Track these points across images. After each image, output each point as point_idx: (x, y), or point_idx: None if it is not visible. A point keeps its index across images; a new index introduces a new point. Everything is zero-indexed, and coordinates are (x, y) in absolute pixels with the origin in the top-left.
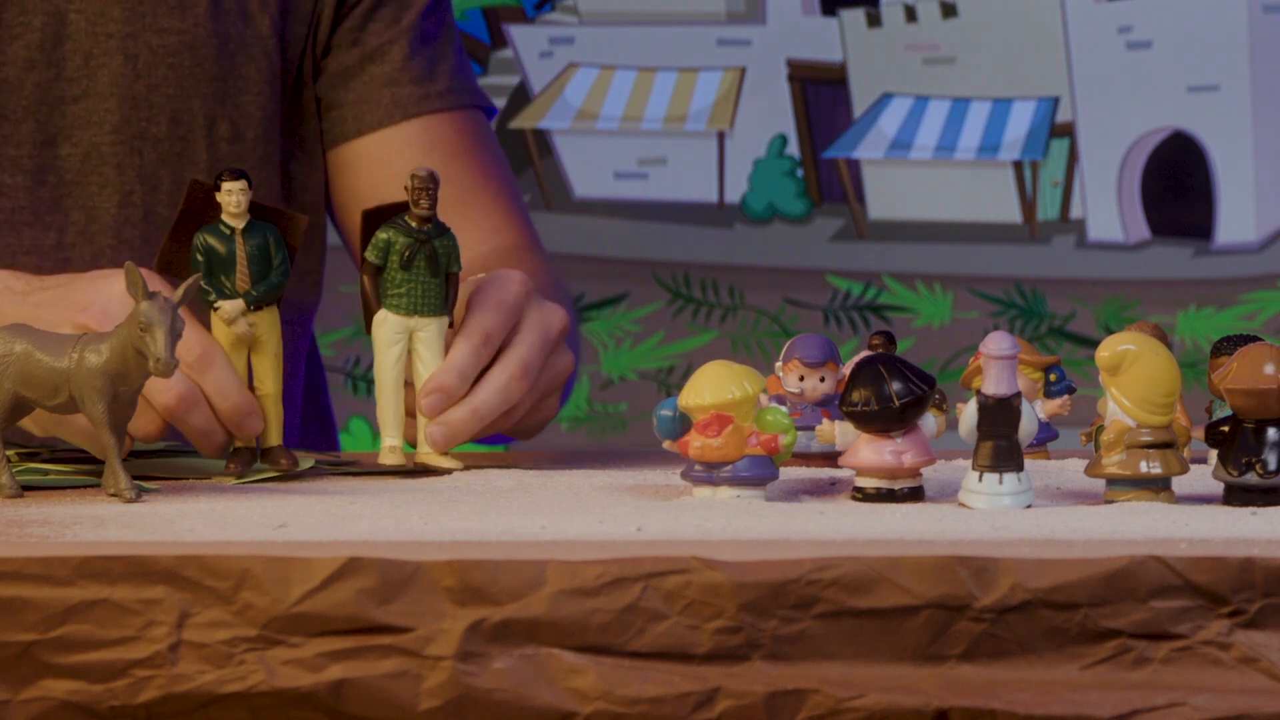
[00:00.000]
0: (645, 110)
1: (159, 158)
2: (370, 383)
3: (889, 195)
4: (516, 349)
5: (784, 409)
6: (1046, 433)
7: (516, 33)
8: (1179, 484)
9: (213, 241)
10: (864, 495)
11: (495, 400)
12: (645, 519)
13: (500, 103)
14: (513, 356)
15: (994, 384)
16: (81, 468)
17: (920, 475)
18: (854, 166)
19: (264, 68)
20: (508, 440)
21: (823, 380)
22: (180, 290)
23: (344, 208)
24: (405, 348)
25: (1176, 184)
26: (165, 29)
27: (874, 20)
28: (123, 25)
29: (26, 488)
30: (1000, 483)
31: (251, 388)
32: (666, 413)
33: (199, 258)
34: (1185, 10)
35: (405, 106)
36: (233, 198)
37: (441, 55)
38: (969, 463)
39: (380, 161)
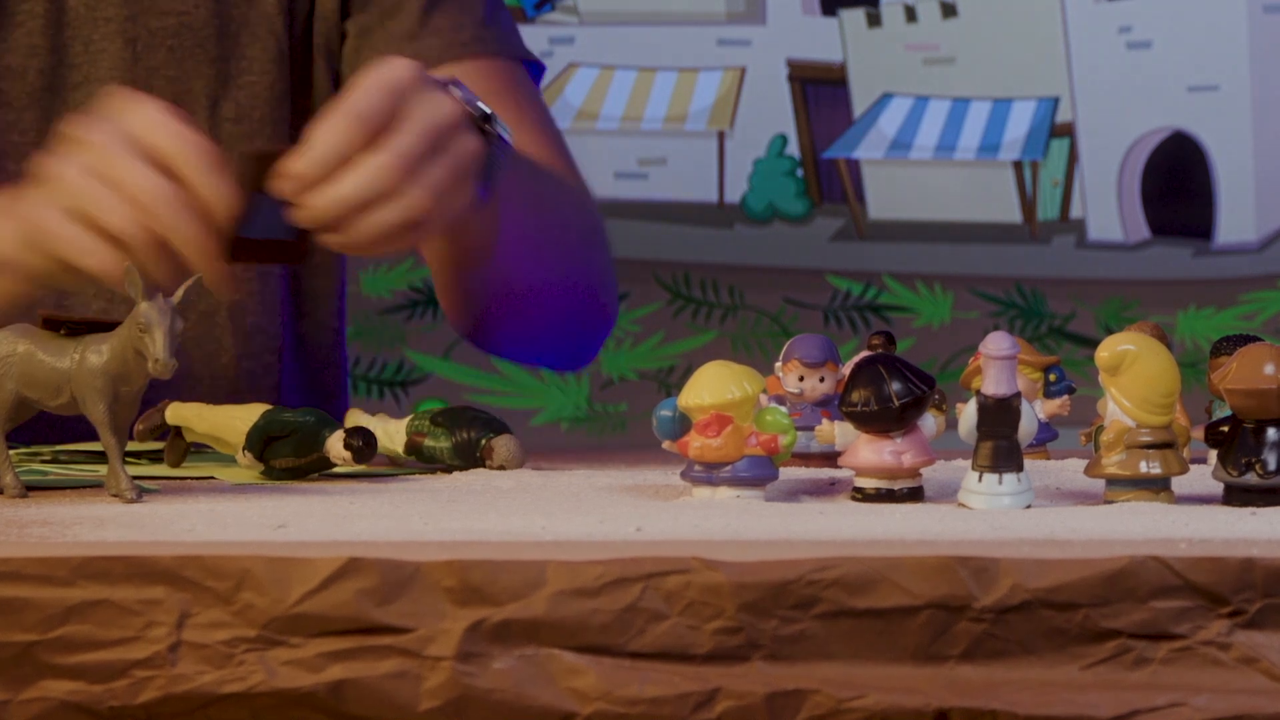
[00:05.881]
0: (645, 110)
1: None
2: (370, 382)
3: (889, 195)
4: (393, 138)
5: (783, 409)
6: (1046, 433)
7: None
8: (1179, 484)
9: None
10: (864, 495)
11: (359, 186)
12: (645, 519)
13: None
14: (387, 145)
15: (994, 384)
16: (82, 468)
17: (920, 475)
18: (854, 166)
19: (270, 46)
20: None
21: (822, 380)
22: (180, 291)
23: None
24: None
25: (1176, 184)
26: (165, 11)
27: (874, 20)
28: (121, 9)
29: (28, 488)
30: (1000, 483)
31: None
32: (666, 413)
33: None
34: (1185, 10)
35: (424, 58)
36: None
37: (467, 7)
38: (969, 463)
39: None
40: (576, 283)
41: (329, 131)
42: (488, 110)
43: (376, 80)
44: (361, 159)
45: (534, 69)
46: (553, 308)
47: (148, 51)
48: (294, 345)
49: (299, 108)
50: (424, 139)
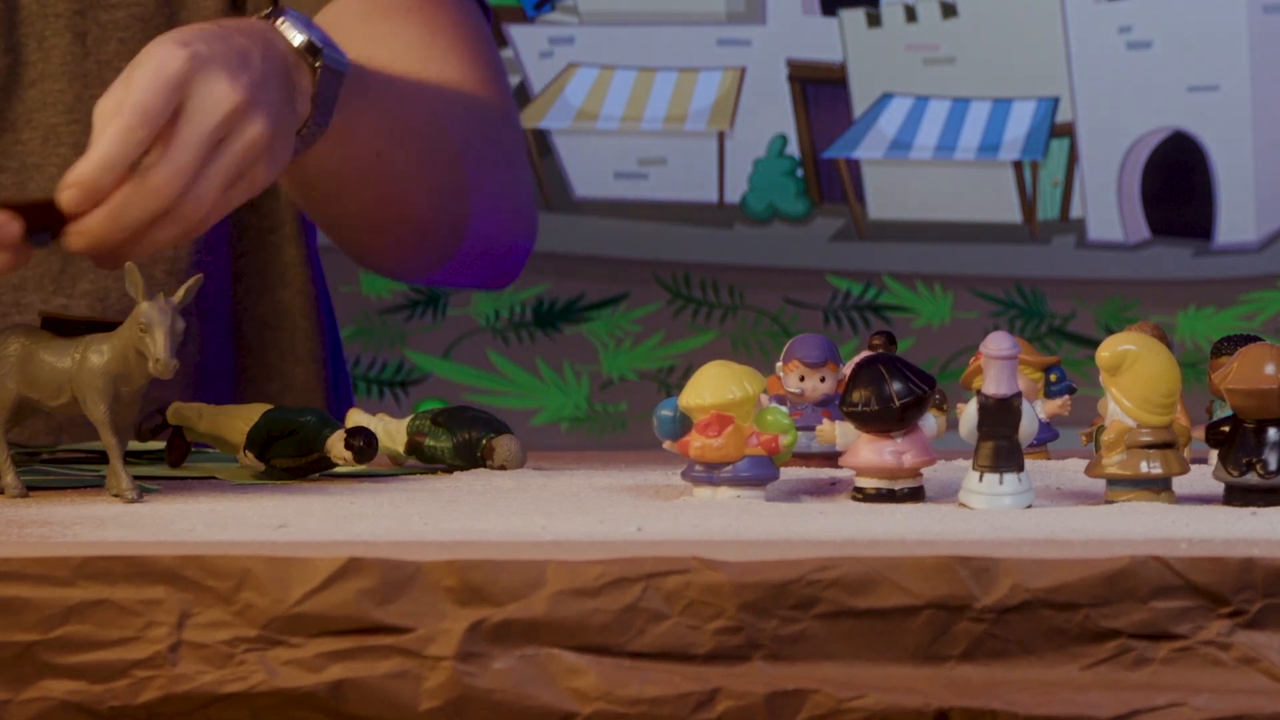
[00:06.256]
0: (645, 110)
1: None
2: (370, 382)
3: (889, 195)
4: (169, 151)
5: (784, 409)
6: (1047, 433)
7: (516, 33)
8: (1179, 484)
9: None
10: (864, 495)
11: (137, 207)
12: (645, 519)
13: None
14: (166, 160)
15: (994, 384)
16: (83, 468)
17: (920, 475)
18: (854, 166)
19: None
20: None
21: (823, 380)
22: (182, 291)
23: None
24: None
25: (1176, 184)
26: (113, 4)
27: (874, 20)
28: (70, 4)
29: (28, 487)
30: (1000, 483)
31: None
32: (667, 413)
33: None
34: (1185, 10)
35: None
36: None
37: None
38: (969, 463)
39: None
40: (473, 200)
41: (113, 135)
42: (312, 41)
43: (153, 74)
44: (138, 179)
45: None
46: (444, 226)
47: (98, 45)
48: (253, 323)
49: None
50: (201, 146)
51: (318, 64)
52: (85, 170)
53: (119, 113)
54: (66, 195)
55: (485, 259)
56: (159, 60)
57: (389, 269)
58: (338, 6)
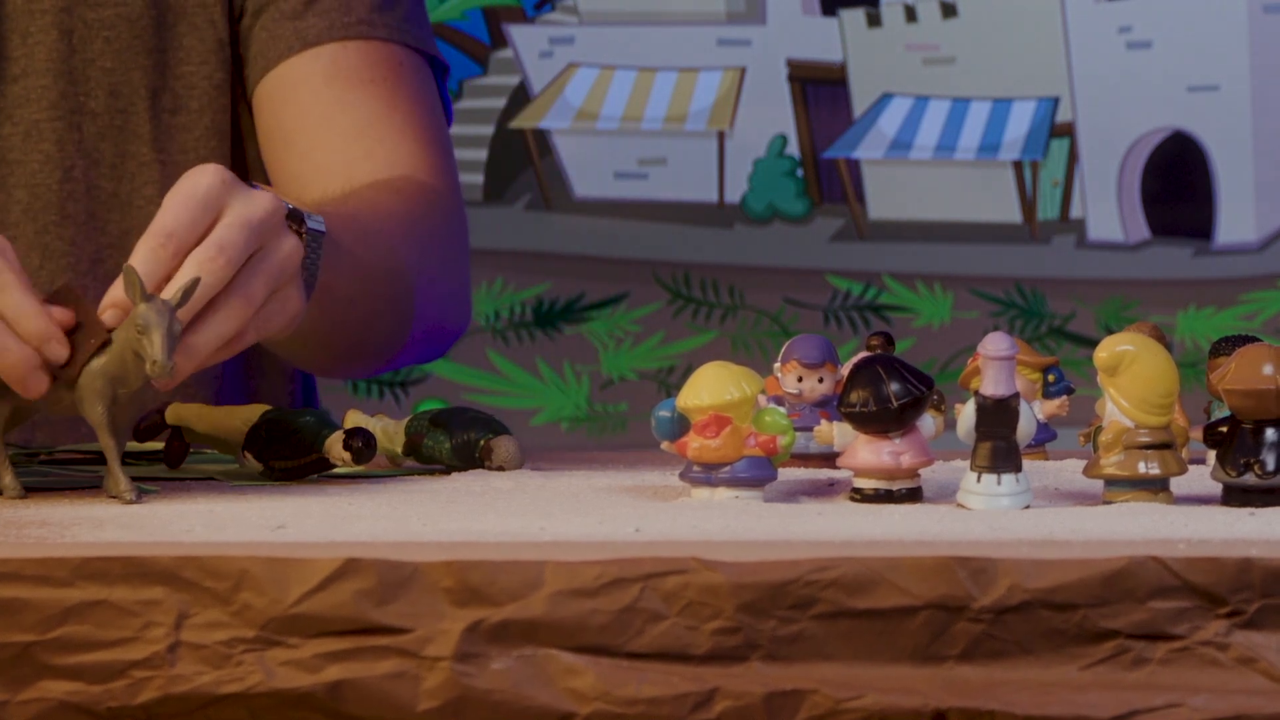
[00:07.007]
0: (645, 110)
1: (98, 131)
2: (369, 381)
3: (889, 195)
4: (211, 234)
5: (782, 410)
6: (1045, 433)
7: (516, 33)
8: (1177, 484)
9: None
10: (862, 496)
11: (185, 280)
12: (644, 520)
13: (500, 103)
14: (207, 241)
15: (992, 385)
16: (81, 469)
17: (918, 476)
18: (854, 166)
19: (208, 36)
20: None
21: (821, 381)
22: (178, 292)
23: (263, 153)
24: None
25: (1176, 184)
26: (101, 3)
27: (874, 20)
28: (57, 1)
29: (27, 489)
30: (998, 483)
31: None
32: (665, 414)
33: None
34: (1185, 10)
35: (305, 36)
36: None
37: None
38: (967, 463)
39: (281, 95)
40: (418, 305)
41: (141, 254)
42: (294, 209)
43: (181, 193)
44: (184, 266)
45: (439, 65)
46: (392, 341)
47: (84, 43)
48: None
49: (239, 97)
50: (244, 233)
51: (302, 230)
52: (119, 293)
53: (145, 233)
54: (108, 315)
55: (419, 348)
56: (188, 179)
57: (330, 374)
58: (304, 63)
